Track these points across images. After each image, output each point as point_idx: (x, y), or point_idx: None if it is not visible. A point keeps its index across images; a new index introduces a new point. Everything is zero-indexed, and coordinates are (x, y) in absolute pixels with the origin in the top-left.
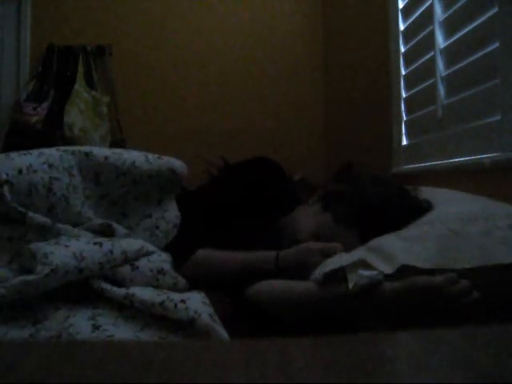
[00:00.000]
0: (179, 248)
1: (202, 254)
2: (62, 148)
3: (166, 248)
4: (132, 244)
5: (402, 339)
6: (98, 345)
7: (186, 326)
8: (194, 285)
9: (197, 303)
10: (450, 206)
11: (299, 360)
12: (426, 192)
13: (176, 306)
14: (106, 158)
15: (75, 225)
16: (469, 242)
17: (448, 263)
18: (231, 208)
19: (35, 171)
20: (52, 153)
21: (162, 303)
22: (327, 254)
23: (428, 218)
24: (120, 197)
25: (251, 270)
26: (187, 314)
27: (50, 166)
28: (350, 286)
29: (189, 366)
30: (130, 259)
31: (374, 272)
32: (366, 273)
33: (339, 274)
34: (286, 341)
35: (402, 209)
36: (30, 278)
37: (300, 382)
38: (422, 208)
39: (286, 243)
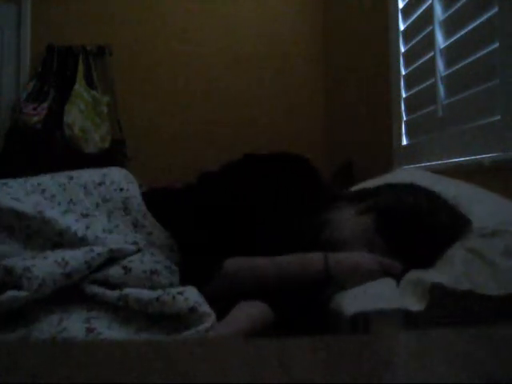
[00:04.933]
0: (202, 263)
1: (232, 263)
2: None
3: (183, 265)
4: (114, 240)
5: (402, 339)
6: (98, 345)
7: (182, 329)
8: (226, 299)
9: (196, 295)
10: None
11: (299, 360)
12: (443, 184)
13: (174, 297)
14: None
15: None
16: (492, 266)
17: (476, 289)
18: (257, 205)
19: None
20: None
21: (158, 298)
22: (385, 271)
23: None
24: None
25: (294, 273)
26: (187, 304)
27: None
28: None
29: (189, 366)
30: (114, 253)
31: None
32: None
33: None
34: (285, 341)
35: (456, 239)
36: (21, 294)
37: (300, 382)
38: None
39: (327, 247)
